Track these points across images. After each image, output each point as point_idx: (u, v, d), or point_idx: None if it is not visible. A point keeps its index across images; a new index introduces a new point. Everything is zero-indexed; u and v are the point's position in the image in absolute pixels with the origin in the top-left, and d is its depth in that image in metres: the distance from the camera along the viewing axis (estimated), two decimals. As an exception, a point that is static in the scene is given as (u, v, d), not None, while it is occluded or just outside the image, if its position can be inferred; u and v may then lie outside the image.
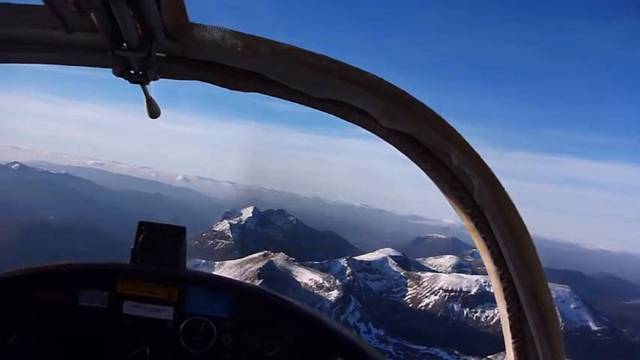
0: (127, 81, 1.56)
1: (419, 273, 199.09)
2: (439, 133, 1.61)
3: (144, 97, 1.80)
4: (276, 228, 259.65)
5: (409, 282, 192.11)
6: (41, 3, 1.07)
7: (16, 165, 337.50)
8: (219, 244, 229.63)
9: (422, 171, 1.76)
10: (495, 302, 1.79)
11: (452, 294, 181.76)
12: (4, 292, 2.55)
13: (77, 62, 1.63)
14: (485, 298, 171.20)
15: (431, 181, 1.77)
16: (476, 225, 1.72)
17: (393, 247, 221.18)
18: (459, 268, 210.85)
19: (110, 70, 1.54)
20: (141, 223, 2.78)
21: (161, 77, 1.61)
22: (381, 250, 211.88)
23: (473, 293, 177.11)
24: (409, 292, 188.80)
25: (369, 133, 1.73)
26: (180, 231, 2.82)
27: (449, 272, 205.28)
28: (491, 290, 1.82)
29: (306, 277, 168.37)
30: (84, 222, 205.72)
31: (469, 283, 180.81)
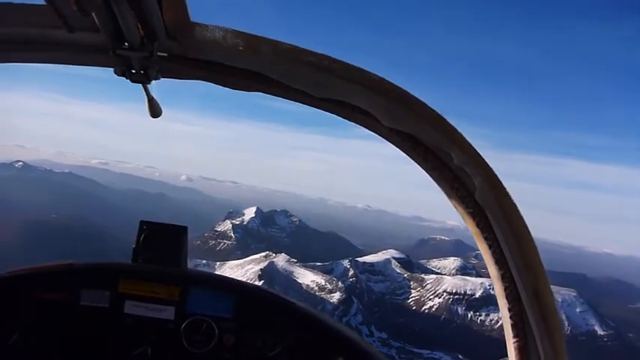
0: (128, 80, 1.57)
1: (422, 275, 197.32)
2: (440, 132, 1.60)
3: (145, 96, 1.82)
4: (279, 228, 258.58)
5: (412, 284, 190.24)
6: (43, 2, 1.07)
7: (20, 163, 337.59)
8: (222, 244, 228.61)
9: (423, 171, 1.76)
10: None
11: (456, 297, 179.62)
12: (5, 292, 2.55)
13: (79, 62, 1.63)
14: (489, 302, 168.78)
15: (433, 181, 1.77)
16: (477, 225, 1.72)
17: (396, 249, 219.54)
18: (463, 271, 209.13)
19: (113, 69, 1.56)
20: (142, 223, 2.79)
21: (162, 77, 1.62)
22: (384, 251, 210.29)
23: (477, 296, 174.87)
24: (412, 295, 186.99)
25: (373, 133, 1.74)
26: (182, 230, 2.83)
27: (453, 274, 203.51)
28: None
29: (308, 278, 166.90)
30: (86, 221, 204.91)
31: (473, 285, 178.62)
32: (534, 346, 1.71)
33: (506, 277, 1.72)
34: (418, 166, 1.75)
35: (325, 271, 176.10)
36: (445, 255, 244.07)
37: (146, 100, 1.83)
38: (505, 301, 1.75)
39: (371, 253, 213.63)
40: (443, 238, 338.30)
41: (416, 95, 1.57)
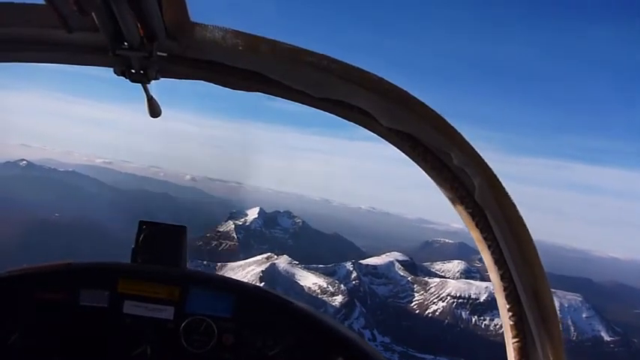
0: (128, 80, 1.57)
1: (426, 278, 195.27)
2: (440, 132, 1.60)
3: (145, 96, 1.82)
4: (282, 229, 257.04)
5: (416, 287, 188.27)
6: (42, 2, 1.08)
7: (24, 162, 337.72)
8: (224, 244, 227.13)
9: (422, 171, 1.76)
10: None
11: (460, 300, 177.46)
12: (4, 292, 2.55)
13: (78, 61, 1.63)
14: (494, 306, 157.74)
15: (432, 181, 1.77)
16: (477, 225, 1.72)
17: (400, 251, 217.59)
18: (467, 274, 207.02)
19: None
20: (141, 223, 2.80)
21: (162, 77, 1.62)
22: (387, 253, 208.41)
23: (482, 300, 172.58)
24: (416, 298, 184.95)
25: (376, 135, 1.74)
26: (181, 230, 2.84)
27: (457, 278, 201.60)
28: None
29: (310, 280, 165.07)
30: (89, 220, 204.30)
31: (478, 289, 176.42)
32: (534, 346, 1.70)
33: (506, 278, 1.72)
34: (417, 166, 1.75)
35: (328, 274, 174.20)
36: (449, 258, 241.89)
37: (145, 99, 1.83)
38: (504, 301, 1.75)
39: (374, 256, 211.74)
40: (447, 240, 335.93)
41: (416, 95, 1.56)
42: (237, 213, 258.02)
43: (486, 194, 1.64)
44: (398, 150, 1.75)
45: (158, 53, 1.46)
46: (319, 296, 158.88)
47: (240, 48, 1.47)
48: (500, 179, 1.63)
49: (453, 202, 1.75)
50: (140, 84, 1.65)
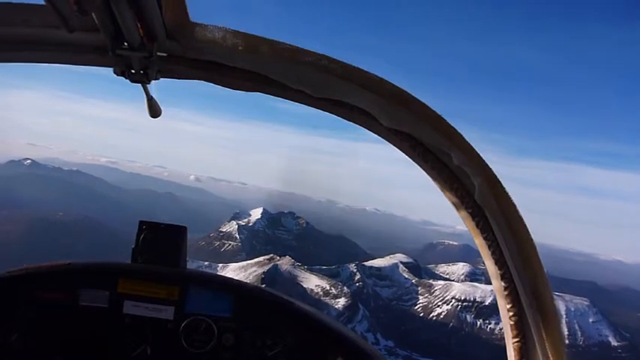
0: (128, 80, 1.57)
1: (431, 281, 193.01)
2: (440, 132, 1.60)
3: (145, 96, 1.82)
4: (286, 230, 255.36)
5: (420, 290, 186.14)
6: (42, 2, 1.08)
7: (28, 161, 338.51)
8: (226, 245, 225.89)
9: (422, 171, 1.76)
10: None
11: (465, 304, 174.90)
12: (4, 292, 2.56)
13: (78, 62, 1.63)
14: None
15: (432, 180, 1.78)
16: (477, 225, 1.72)
17: (404, 253, 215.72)
18: (472, 277, 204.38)
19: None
20: (142, 223, 2.79)
21: (162, 77, 1.62)
22: (392, 255, 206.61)
23: (487, 304, 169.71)
24: (420, 301, 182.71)
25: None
26: (181, 230, 2.83)
27: (462, 281, 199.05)
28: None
29: (313, 282, 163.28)
30: (92, 219, 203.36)
31: (483, 292, 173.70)
32: (534, 346, 1.70)
33: (506, 277, 1.72)
34: (417, 166, 1.76)
35: (331, 275, 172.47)
36: (453, 260, 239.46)
37: (145, 99, 1.83)
38: (504, 301, 1.75)
39: (378, 257, 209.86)
40: (451, 242, 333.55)
41: (416, 95, 1.56)
42: (240, 213, 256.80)
43: (486, 194, 1.64)
44: (398, 150, 1.75)
45: (158, 53, 1.46)
46: (322, 299, 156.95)
47: (240, 48, 1.47)
48: (500, 179, 1.63)
49: (453, 202, 1.75)
50: (140, 84, 1.65)
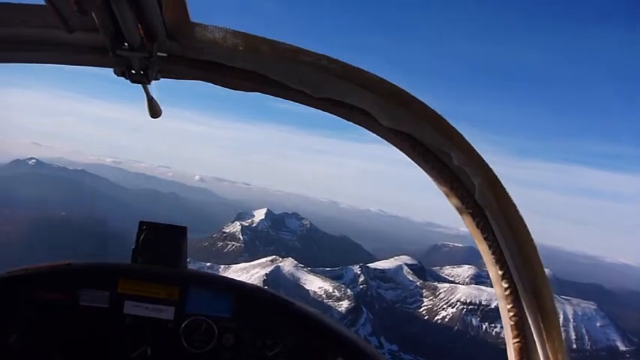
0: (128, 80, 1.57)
1: (435, 283, 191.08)
2: (440, 132, 1.61)
3: (145, 96, 1.82)
4: (289, 231, 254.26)
5: (425, 292, 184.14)
6: (42, 2, 1.08)
7: (33, 161, 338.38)
8: (229, 246, 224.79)
9: (422, 171, 1.76)
10: None
11: (470, 307, 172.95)
12: (4, 292, 2.56)
13: (78, 62, 1.64)
14: None
15: (432, 180, 1.78)
16: (477, 225, 1.73)
17: (408, 255, 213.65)
18: (477, 279, 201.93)
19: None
20: (142, 223, 2.80)
21: (162, 77, 1.63)
22: (396, 257, 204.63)
23: (493, 307, 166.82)
24: (425, 304, 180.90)
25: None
26: (181, 231, 2.84)
27: (467, 283, 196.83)
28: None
29: (316, 285, 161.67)
30: (95, 219, 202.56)
31: (489, 295, 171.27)
32: (534, 346, 1.71)
33: (506, 278, 1.73)
34: (417, 166, 1.76)
35: (334, 277, 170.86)
36: (458, 262, 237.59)
37: (146, 100, 1.84)
38: (505, 301, 1.75)
39: (383, 259, 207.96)
40: (456, 244, 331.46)
41: (416, 95, 1.57)
42: (244, 214, 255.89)
43: (486, 194, 1.64)
44: (398, 150, 1.75)
45: (158, 53, 1.46)
46: (325, 301, 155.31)
47: (240, 48, 1.47)
48: (500, 179, 1.63)
49: (453, 202, 1.76)
50: (140, 84, 1.66)
